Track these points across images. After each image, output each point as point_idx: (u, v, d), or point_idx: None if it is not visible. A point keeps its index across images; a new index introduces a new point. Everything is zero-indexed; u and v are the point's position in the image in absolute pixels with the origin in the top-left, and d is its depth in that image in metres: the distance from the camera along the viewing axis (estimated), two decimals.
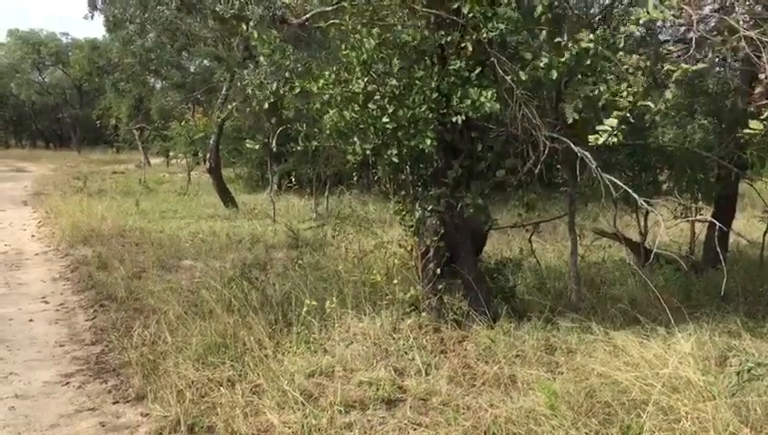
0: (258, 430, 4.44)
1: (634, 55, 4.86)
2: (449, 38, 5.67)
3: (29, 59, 47.84)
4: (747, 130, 4.38)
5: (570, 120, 5.54)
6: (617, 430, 4.22)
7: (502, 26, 5.34)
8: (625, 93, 4.82)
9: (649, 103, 4.79)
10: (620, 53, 4.95)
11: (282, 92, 6.45)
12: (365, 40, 5.71)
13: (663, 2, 4.61)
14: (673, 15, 4.65)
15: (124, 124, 33.79)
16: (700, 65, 4.62)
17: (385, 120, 5.69)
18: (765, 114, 4.40)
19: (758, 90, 4.74)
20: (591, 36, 4.97)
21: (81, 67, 42.29)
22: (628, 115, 4.77)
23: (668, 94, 4.76)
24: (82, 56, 41.88)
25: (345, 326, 6.24)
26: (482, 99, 5.44)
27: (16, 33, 48.19)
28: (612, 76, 5.16)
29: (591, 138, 4.87)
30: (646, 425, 4.15)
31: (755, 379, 4.74)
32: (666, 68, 4.65)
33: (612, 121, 4.76)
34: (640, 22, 4.79)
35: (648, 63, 4.87)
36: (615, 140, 4.78)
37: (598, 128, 4.83)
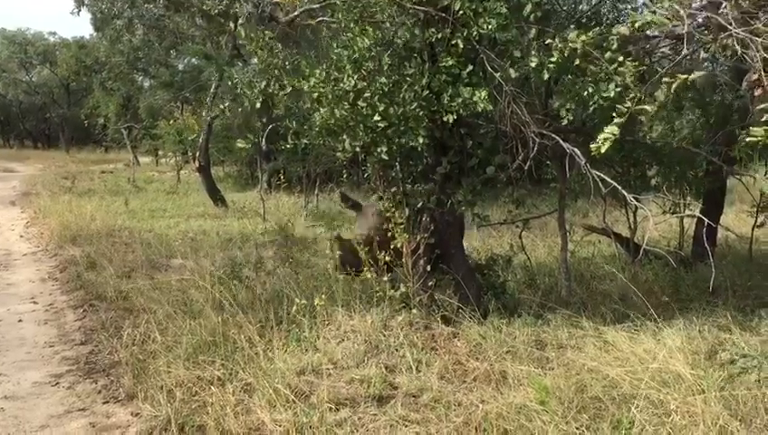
0: (249, 429, 4.43)
1: (627, 62, 4.85)
2: (439, 35, 5.67)
3: (16, 58, 47.51)
4: (749, 138, 4.38)
5: (564, 121, 5.55)
6: (607, 425, 4.24)
7: (493, 21, 5.33)
8: (613, 93, 4.83)
9: (647, 108, 4.79)
10: (608, 53, 4.95)
11: (272, 91, 6.44)
12: (358, 39, 5.71)
13: (655, 2, 4.62)
14: (665, 18, 4.67)
15: (112, 123, 33.58)
16: (697, 73, 4.61)
17: (376, 117, 5.68)
18: (765, 117, 4.40)
19: (758, 92, 4.75)
20: (583, 38, 4.96)
21: (68, 66, 42.02)
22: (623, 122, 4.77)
23: (660, 96, 4.78)
24: (70, 55, 41.59)
25: (336, 324, 6.23)
26: (474, 98, 5.44)
27: (3, 33, 47.88)
28: (602, 74, 5.17)
29: (593, 146, 4.87)
30: (636, 419, 4.17)
31: (745, 372, 4.77)
32: (664, 79, 4.64)
33: (613, 129, 4.77)
34: (635, 26, 4.80)
35: (637, 65, 4.87)
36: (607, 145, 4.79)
37: (599, 137, 4.84)
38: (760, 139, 4.27)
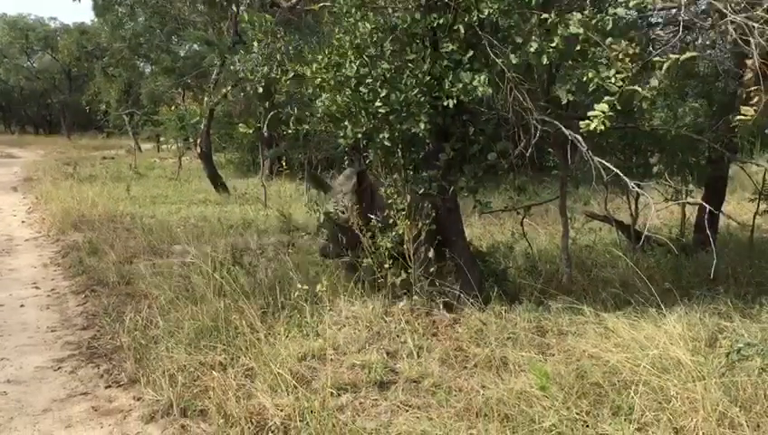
0: (251, 413, 4.44)
1: (622, 42, 4.85)
2: (441, 21, 5.65)
3: (17, 44, 47.42)
4: (739, 117, 4.39)
5: (564, 102, 5.54)
6: (607, 411, 4.26)
7: (494, 6, 5.31)
8: (613, 79, 4.82)
9: (638, 89, 4.78)
10: (609, 38, 4.93)
11: (274, 76, 6.43)
12: (359, 24, 5.69)
13: None
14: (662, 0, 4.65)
15: (114, 109, 33.53)
16: (688, 54, 4.61)
17: (377, 103, 5.67)
18: (756, 99, 4.43)
19: (748, 76, 4.76)
20: (579, 17, 4.95)
21: (69, 52, 41.99)
22: (616, 103, 4.76)
23: (654, 82, 4.76)
24: (71, 41, 41.58)
25: (337, 310, 6.25)
26: (474, 83, 5.43)
27: (4, 18, 47.80)
28: (603, 59, 5.15)
29: (582, 124, 4.87)
30: (636, 405, 4.19)
31: (745, 359, 4.78)
32: (655, 59, 4.64)
33: (603, 107, 4.76)
34: (630, 6, 4.78)
35: (638, 49, 4.86)
36: (602, 126, 4.77)
37: (589, 114, 4.84)
38: (750, 118, 4.29)
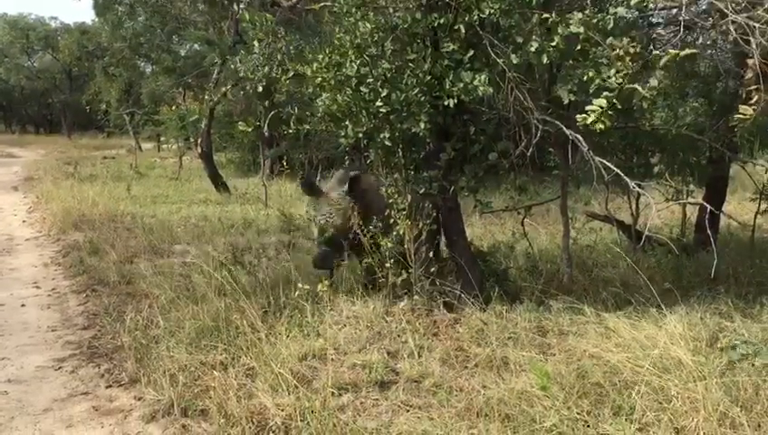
0: (251, 413, 4.44)
1: (624, 39, 4.84)
2: (442, 20, 5.65)
3: (18, 43, 47.47)
4: (738, 115, 4.40)
5: (565, 101, 5.53)
6: (608, 410, 4.25)
7: (495, 6, 5.31)
8: (613, 78, 4.81)
9: (637, 87, 4.78)
10: (610, 37, 4.93)
11: (275, 76, 6.43)
12: (360, 23, 5.69)
13: None
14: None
15: (114, 109, 33.56)
16: (688, 51, 4.62)
17: (378, 103, 5.67)
18: (755, 99, 4.43)
19: (748, 75, 4.77)
20: (580, 16, 4.94)
21: (70, 52, 42.06)
22: (615, 101, 4.75)
23: (653, 81, 4.76)
24: (72, 41, 41.66)
25: (338, 310, 6.25)
26: (475, 82, 5.43)
27: (5, 18, 47.86)
28: (604, 59, 5.15)
29: (579, 117, 4.87)
30: (637, 405, 4.19)
31: (746, 359, 4.78)
32: (653, 53, 4.64)
33: (601, 102, 4.76)
34: (631, 5, 4.78)
35: (639, 49, 4.86)
36: (602, 126, 4.76)
37: (587, 108, 4.83)
38: (748, 117, 4.31)
